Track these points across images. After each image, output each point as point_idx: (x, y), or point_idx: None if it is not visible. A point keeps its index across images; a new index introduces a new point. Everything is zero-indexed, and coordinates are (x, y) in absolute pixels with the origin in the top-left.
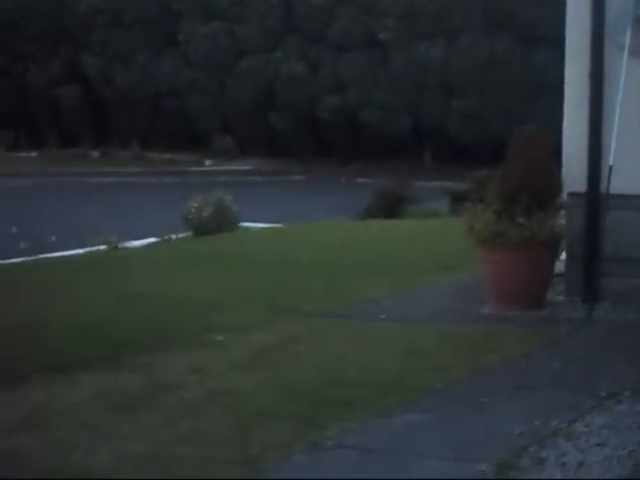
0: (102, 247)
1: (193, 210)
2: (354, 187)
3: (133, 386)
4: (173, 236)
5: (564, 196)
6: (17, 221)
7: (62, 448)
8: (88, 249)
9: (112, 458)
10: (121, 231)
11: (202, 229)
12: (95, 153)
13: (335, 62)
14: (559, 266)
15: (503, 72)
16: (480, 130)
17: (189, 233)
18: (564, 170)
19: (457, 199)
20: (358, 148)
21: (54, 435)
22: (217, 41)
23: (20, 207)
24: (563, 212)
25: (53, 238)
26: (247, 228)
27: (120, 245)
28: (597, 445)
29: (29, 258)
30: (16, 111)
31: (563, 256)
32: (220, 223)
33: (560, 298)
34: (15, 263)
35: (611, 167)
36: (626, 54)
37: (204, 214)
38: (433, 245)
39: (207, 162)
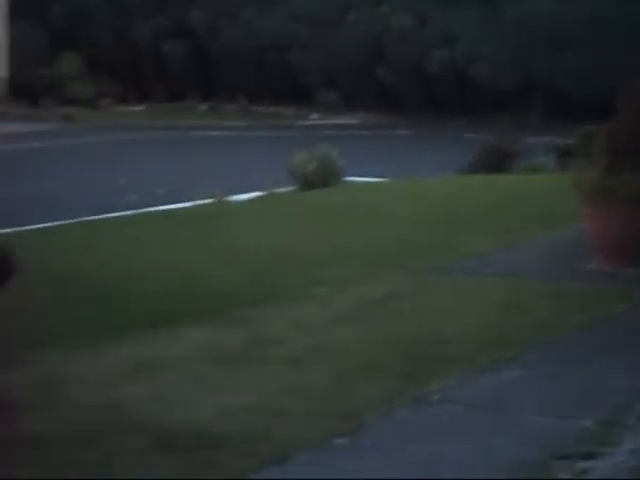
0: (208, 201)
1: (298, 164)
2: (461, 141)
3: (236, 340)
4: (278, 190)
5: None
6: (125, 174)
7: (166, 401)
8: (194, 202)
9: (215, 411)
10: (227, 185)
11: (307, 183)
12: (202, 107)
13: (444, 16)
14: None
15: (614, 26)
16: (589, 85)
17: (294, 187)
18: None
19: (564, 155)
20: (465, 103)
21: (158, 388)
22: None
23: (128, 160)
24: None
25: (160, 191)
26: (352, 182)
27: (225, 199)
28: None
29: (137, 211)
30: (124, 66)
31: None
32: (325, 177)
33: None
34: (123, 216)
35: None
36: None
37: (309, 168)
38: (539, 200)
39: (313, 116)
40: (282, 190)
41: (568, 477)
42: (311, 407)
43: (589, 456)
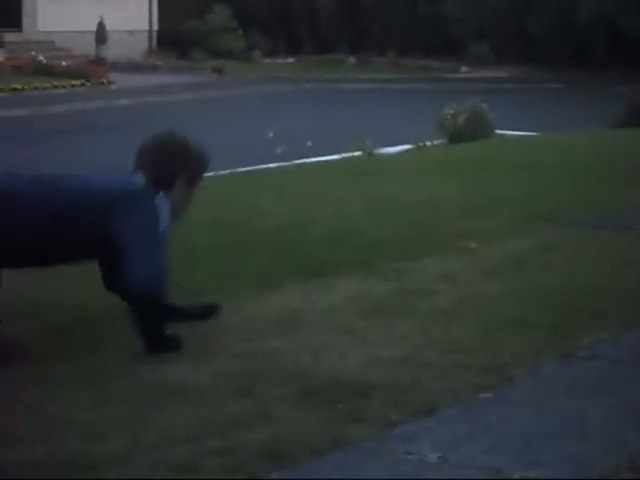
0: (357, 153)
1: (448, 117)
2: (611, 95)
3: (385, 291)
4: (428, 143)
5: None
6: (274, 126)
7: (315, 351)
8: (343, 155)
9: (363, 362)
10: (376, 137)
11: (457, 136)
12: (351, 59)
13: None
14: None
15: None
16: None
17: (444, 140)
18: None
19: None
20: (617, 55)
21: (308, 339)
22: None
23: (277, 112)
24: None
25: (309, 143)
26: (503, 136)
27: (375, 151)
28: None
29: (285, 163)
30: (274, 18)
31: None
32: (475, 130)
33: None
34: (272, 168)
35: None
36: None
37: (459, 121)
38: None
39: (462, 68)
40: (432, 143)
41: None
42: (458, 360)
43: None
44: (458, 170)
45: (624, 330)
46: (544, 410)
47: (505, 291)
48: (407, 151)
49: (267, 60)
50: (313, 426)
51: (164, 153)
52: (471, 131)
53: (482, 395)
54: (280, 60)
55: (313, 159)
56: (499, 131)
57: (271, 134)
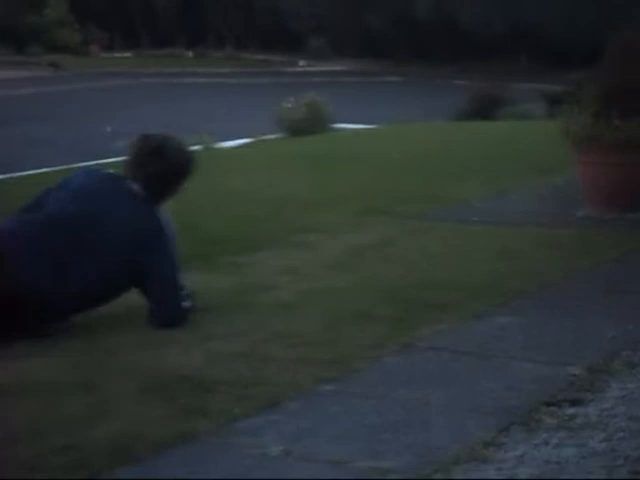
0: (196, 147)
1: (287, 111)
2: (449, 88)
3: (227, 286)
4: (267, 136)
5: None
6: (112, 121)
7: (157, 346)
8: None
9: (205, 357)
10: (215, 131)
11: (295, 130)
12: (189, 54)
13: None
14: None
15: None
16: (578, 31)
17: (283, 134)
18: None
19: (553, 101)
20: (454, 49)
21: (150, 334)
22: None
23: (115, 107)
24: None
25: None
26: (341, 129)
27: (214, 145)
28: None
29: (124, 157)
30: (111, 12)
31: None
32: (314, 124)
33: None
34: (109, 163)
35: None
36: None
37: (297, 115)
38: (528, 148)
39: (301, 62)
40: (271, 137)
41: (555, 423)
42: (301, 353)
43: (576, 402)
44: (298, 164)
45: (464, 321)
46: (386, 401)
47: (346, 284)
48: (246, 145)
49: (105, 54)
50: (157, 421)
51: (173, 174)
52: (309, 124)
53: (325, 387)
54: (118, 54)
55: None
56: (338, 124)
57: (109, 129)
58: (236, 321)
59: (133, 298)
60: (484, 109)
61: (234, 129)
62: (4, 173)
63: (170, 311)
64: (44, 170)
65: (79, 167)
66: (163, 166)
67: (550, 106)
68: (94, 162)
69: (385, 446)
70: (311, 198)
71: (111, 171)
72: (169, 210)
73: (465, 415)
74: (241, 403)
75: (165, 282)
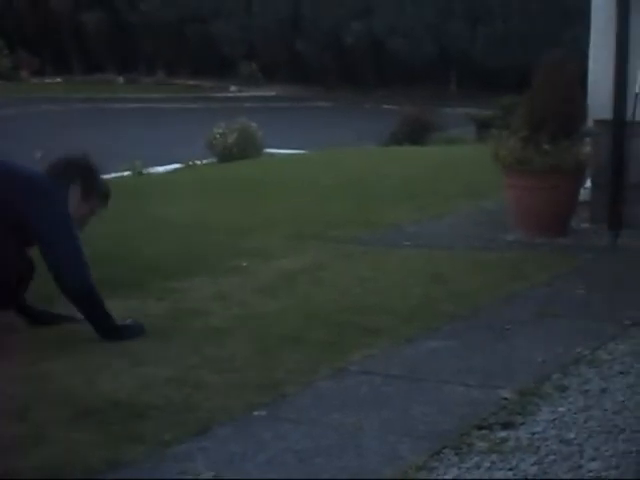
0: (127, 173)
1: (218, 136)
2: (379, 113)
3: (159, 311)
4: (198, 162)
5: (590, 123)
6: (42, 146)
7: (90, 373)
8: (113, 174)
9: (137, 382)
10: (146, 157)
11: (226, 155)
12: (120, 79)
13: None
14: (584, 194)
15: None
16: (506, 56)
17: (214, 159)
18: (590, 97)
19: (483, 126)
20: (384, 74)
21: (83, 360)
22: None
23: (45, 132)
24: (588, 140)
25: None
26: (272, 154)
27: (145, 171)
28: (620, 373)
29: None
30: (41, 37)
31: (588, 184)
32: (245, 149)
33: (585, 225)
34: None
35: (637, 95)
36: None
37: (229, 140)
38: (459, 172)
39: (232, 88)
40: (202, 162)
41: (486, 446)
42: (232, 379)
43: (507, 426)
44: (229, 189)
45: (396, 345)
46: (319, 426)
47: (279, 309)
48: (178, 170)
49: (35, 80)
50: (88, 448)
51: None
52: (240, 150)
53: (256, 413)
54: (49, 80)
55: None
56: (269, 149)
57: (39, 154)
58: (168, 346)
59: (74, 328)
60: (414, 134)
61: (165, 155)
62: None
63: (72, 281)
64: None
65: None
66: None
67: (480, 130)
68: None
69: (318, 471)
70: (243, 223)
71: None
72: (102, 235)
73: (398, 439)
74: (172, 429)
75: (62, 246)
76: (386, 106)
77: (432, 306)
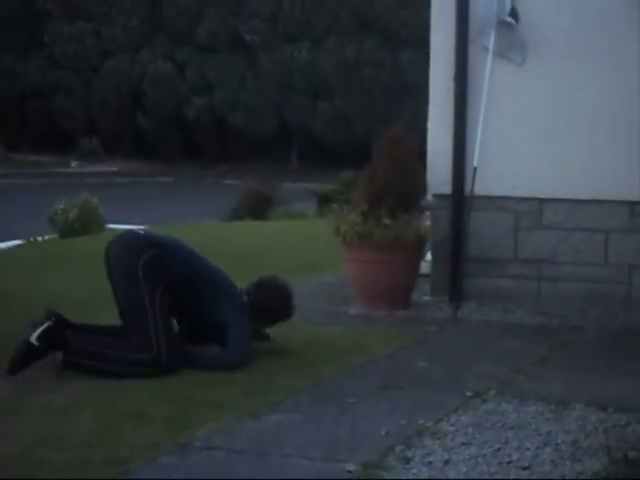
0: None
1: (59, 212)
2: (222, 188)
3: (1, 389)
4: (39, 238)
5: (429, 198)
6: None
7: None
8: None
9: None
10: None
11: (68, 231)
12: None
13: (202, 63)
14: (425, 267)
15: (369, 74)
16: (346, 131)
17: (55, 235)
18: (429, 172)
19: (324, 200)
20: (225, 149)
21: None
22: (83, 41)
23: None
24: (428, 213)
25: None
26: (114, 230)
27: None
28: (463, 444)
29: None
30: None
31: (429, 257)
32: (86, 225)
33: (426, 298)
34: None
35: (475, 169)
36: (490, 56)
37: (70, 216)
38: (299, 246)
39: (73, 164)
40: (43, 238)
41: None
42: (75, 455)
43: None
44: (71, 264)
45: (240, 420)
46: None
47: (122, 384)
48: (18, 247)
49: None
50: None
51: (270, 305)
52: (82, 226)
53: None
54: None
55: None
56: (111, 225)
57: None
58: (10, 424)
59: None
60: (256, 208)
61: (5, 231)
62: None
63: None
64: None
65: None
66: None
67: (321, 205)
68: None
69: None
70: (84, 298)
71: None
72: None
73: None
74: None
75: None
76: (228, 181)
77: (275, 380)
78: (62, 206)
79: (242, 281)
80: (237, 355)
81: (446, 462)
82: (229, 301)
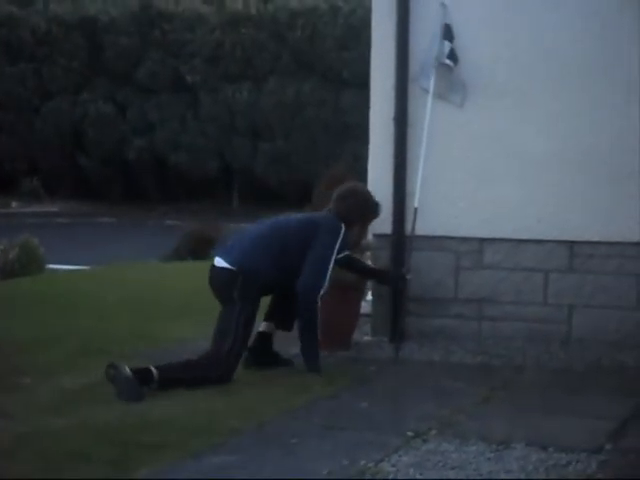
0: None
1: None
2: (163, 229)
3: None
4: None
5: (370, 237)
6: None
7: None
8: None
9: None
10: None
11: (8, 272)
12: None
13: (143, 104)
14: (365, 306)
15: (310, 114)
16: (287, 171)
17: None
18: None
19: None
20: (167, 190)
21: None
22: (24, 82)
23: None
24: (369, 253)
25: None
26: (54, 270)
27: None
28: None
29: None
30: None
31: (369, 296)
32: (26, 266)
33: (367, 338)
34: None
35: (416, 209)
36: (430, 98)
37: (9, 256)
38: None
39: (13, 204)
40: None
41: None
42: None
43: None
44: (11, 305)
45: (182, 461)
46: None
47: (63, 426)
48: None
49: None
50: None
51: (356, 204)
52: (22, 266)
53: None
54: None
55: None
56: (51, 265)
57: None
58: None
59: None
60: (197, 249)
61: None
62: None
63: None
64: None
65: None
66: None
67: None
68: None
69: None
70: (25, 339)
71: None
72: None
73: None
74: None
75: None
76: (170, 221)
77: (218, 420)
78: (2, 247)
79: (187, 321)
80: (309, 278)
81: None
82: (323, 232)
